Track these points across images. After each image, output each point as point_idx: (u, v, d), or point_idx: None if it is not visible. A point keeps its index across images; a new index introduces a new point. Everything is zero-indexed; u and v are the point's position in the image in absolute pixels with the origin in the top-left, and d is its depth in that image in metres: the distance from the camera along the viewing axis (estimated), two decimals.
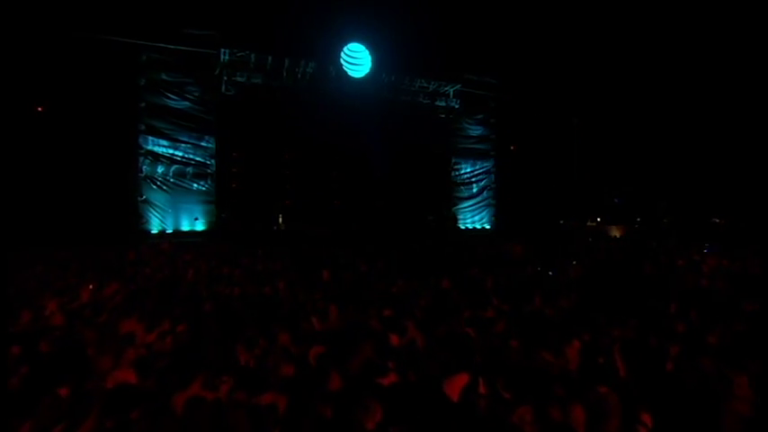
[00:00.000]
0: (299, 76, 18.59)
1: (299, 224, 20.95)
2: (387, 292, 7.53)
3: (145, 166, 17.02)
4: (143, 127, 16.98)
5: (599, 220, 25.19)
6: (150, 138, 17.10)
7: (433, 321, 5.43)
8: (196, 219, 17.44)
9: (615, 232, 23.30)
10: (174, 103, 17.39)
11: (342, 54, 18.73)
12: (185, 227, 17.39)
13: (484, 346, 4.63)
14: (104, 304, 7.02)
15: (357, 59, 18.93)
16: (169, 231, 17.07)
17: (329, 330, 5.61)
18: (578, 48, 20.34)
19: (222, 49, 17.40)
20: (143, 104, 16.86)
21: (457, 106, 20.73)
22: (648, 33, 19.67)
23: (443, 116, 21.14)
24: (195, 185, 17.66)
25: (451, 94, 20.88)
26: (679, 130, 20.17)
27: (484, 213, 22.50)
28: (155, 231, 16.91)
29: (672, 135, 20.44)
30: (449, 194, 21.99)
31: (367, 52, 19.01)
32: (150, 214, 16.96)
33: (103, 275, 9.68)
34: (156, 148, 17.17)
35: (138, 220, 16.76)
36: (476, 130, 22.26)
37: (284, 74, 18.43)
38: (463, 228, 21.85)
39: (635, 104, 20.66)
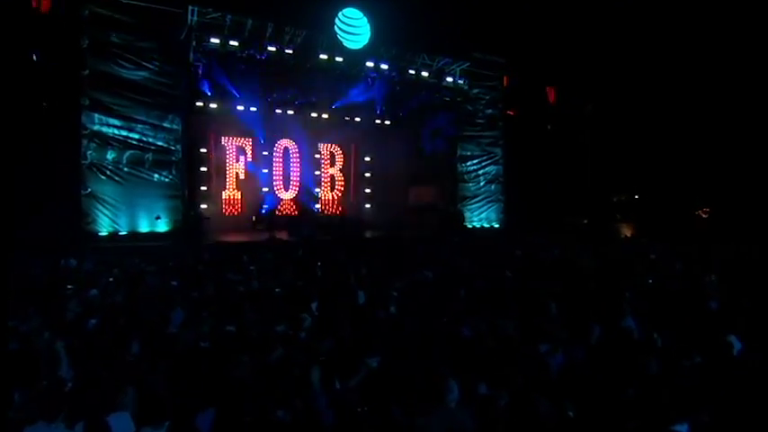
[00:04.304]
0: (285, 45, 15.46)
1: (277, 224, 17.90)
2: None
3: (90, 152, 13.50)
4: (87, 101, 13.40)
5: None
6: (96, 115, 13.58)
7: None
8: (158, 217, 14.06)
9: (626, 231, 21.67)
10: (128, 72, 13.95)
11: (336, 21, 15.77)
12: (144, 227, 14.05)
13: None
14: None
15: (354, 28, 16.03)
16: (123, 233, 13.68)
17: None
18: (596, 28, 18.36)
19: (189, 7, 13.99)
20: (86, 72, 13.27)
21: (466, 87, 18.24)
22: (669, 14, 17.95)
23: (448, 99, 18.60)
24: (156, 176, 14.30)
25: (458, 73, 18.37)
26: (705, 119, 18.62)
27: (491, 210, 20.18)
28: (103, 233, 13.48)
29: (697, 124, 18.86)
30: (454, 188, 19.51)
31: (365, 20, 16.15)
32: (97, 212, 13.49)
33: (22, 303, 6.47)
34: (105, 129, 13.68)
35: (82, 219, 13.19)
36: (483, 116, 19.87)
37: (267, 42, 15.23)
38: (470, 227, 19.43)
39: (655, 91, 18.93)
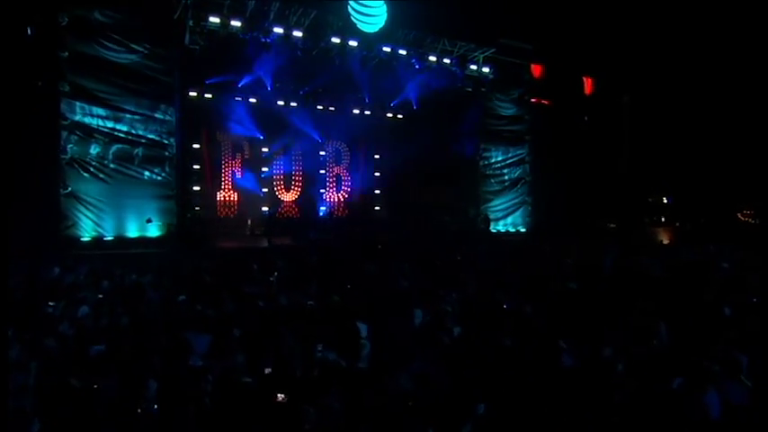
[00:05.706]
0: (293, 26, 14.67)
1: (278, 228, 17.05)
2: None
3: (70, 145, 12.49)
4: (66, 87, 12.38)
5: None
6: (78, 103, 12.57)
7: None
8: (149, 220, 13.09)
9: (664, 237, 20.98)
10: (115, 55, 12.96)
11: (350, 1, 15.01)
12: (133, 232, 13.07)
13: None
14: None
15: (370, 9, 15.26)
16: (108, 238, 12.69)
17: None
18: (635, 11, 17.75)
19: None
20: (65, 54, 12.27)
21: (492, 76, 17.56)
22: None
23: (470, 89, 17.88)
24: (147, 174, 13.32)
25: (481, 60, 17.66)
26: (751, 114, 18.03)
27: (517, 213, 19.39)
28: (86, 239, 12.48)
29: (742, 119, 18.26)
30: (475, 189, 18.72)
31: (382, 0, 15.38)
32: (79, 214, 12.47)
33: None
34: (88, 119, 12.68)
35: (60, 222, 12.19)
36: (509, 109, 19.13)
37: (271, 23, 14.43)
38: (494, 231, 18.60)
39: (698, 82, 18.31)
